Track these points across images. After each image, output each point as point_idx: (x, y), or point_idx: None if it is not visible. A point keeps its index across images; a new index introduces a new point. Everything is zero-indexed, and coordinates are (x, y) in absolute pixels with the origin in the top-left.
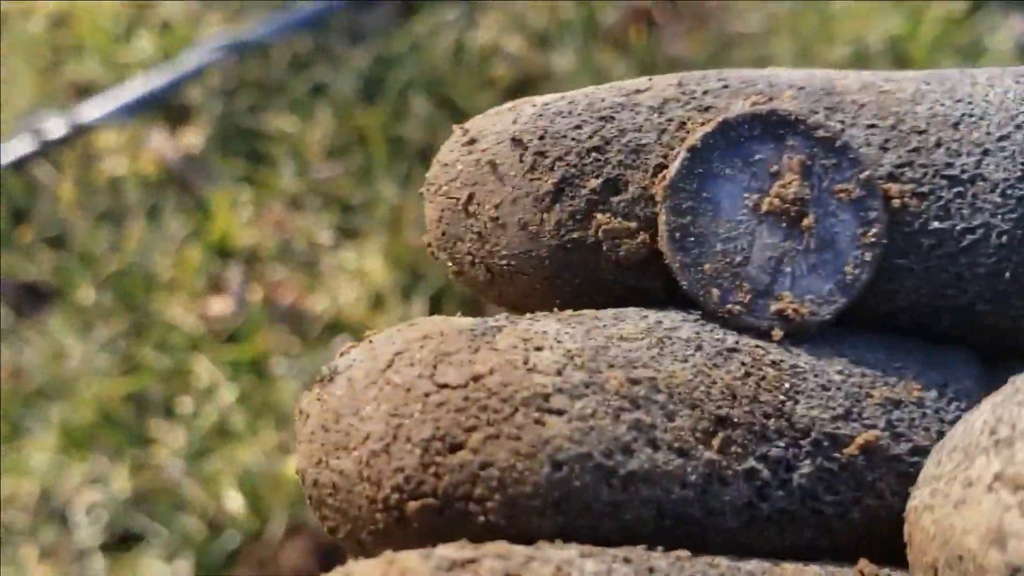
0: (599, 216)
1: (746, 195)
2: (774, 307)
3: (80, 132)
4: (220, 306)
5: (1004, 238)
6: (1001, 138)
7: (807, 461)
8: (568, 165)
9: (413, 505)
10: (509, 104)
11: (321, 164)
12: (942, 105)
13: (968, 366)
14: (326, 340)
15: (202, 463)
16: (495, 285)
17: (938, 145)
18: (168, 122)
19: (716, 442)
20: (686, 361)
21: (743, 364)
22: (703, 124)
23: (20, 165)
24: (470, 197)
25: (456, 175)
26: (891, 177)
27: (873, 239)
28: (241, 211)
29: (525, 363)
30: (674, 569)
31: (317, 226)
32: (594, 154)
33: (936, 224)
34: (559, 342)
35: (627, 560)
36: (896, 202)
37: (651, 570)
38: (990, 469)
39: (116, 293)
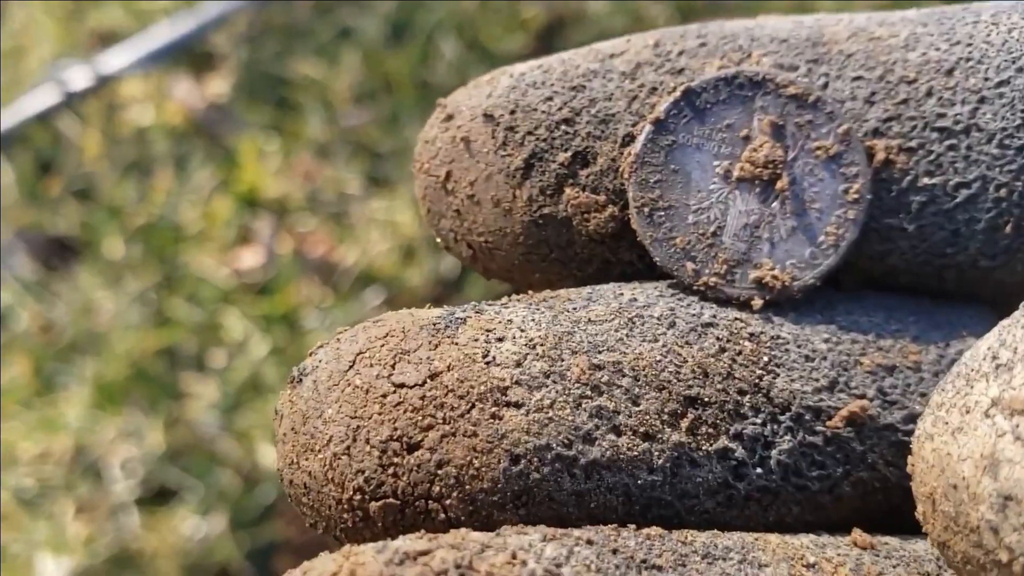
0: (568, 191)
1: (717, 163)
2: (752, 275)
3: (104, 82)
4: (250, 258)
5: (1003, 191)
6: (1000, 83)
7: (787, 437)
8: (538, 139)
9: (375, 505)
10: (489, 75)
11: (348, 111)
12: (936, 50)
13: (978, 323)
14: (357, 292)
15: (236, 417)
16: (478, 260)
17: (929, 95)
18: (193, 70)
19: (684, 423)
20: (656, 340)
21: (718, 339)
22: (670, 93)
23: (44, 117)
24: (448, 175)
25: (436, 152)
26: (876, 132)
27: (856, 196)
28: (269, 161)
29: (484, 356)
30: (642, 548)
31: (346, 175)
32: (563, 127)
33: (927, 180)
34: (523, 331)
35: (590, 542)
36: (881, 157)
37: (615, 551)
38: (988, 394)
39: (145, 246)
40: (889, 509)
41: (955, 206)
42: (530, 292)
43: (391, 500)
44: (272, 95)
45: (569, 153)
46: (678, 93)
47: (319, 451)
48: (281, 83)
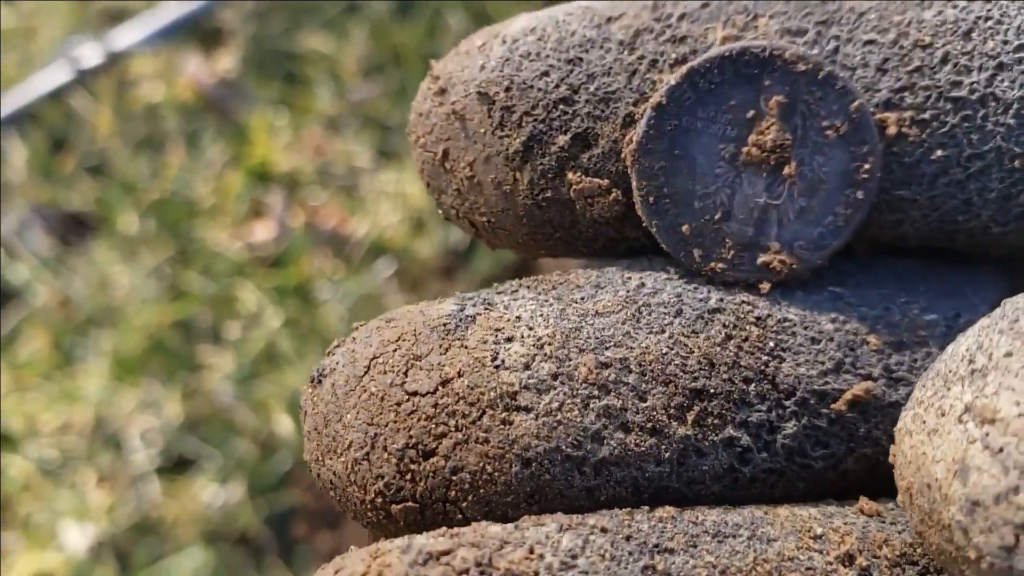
0: (570, 175)
1: (722, 146)
2: (760, 259)
3: (115, 59)
4: (263, 231)
5: (1017, 162)
6: (1020, 47)
7: (792, 422)
8: (536, 120)
9: (396, 508)
10: (480, 40)
11: (357, 84)
12: (954, 7)
13: (989, 289)
14: (369, 263)
15: (252, 387)
16: (482, 235)
17: (945, 61)
18: (202, 46)
19: (690, 416)
20: (663, 332)
21: (724, 327)
22: (672, 72)
23: (57, 94)
24: (445, 153)
25: (431, 128)
26: (888, 104)
27: (866, 175)
28: (279, 135)
29: (494, 359)
30: (655, 532)
31: (356, 148)
32: (561, 106)
33: (940, 152)
34: (531, 328)
35: (604, 530)
36: (893, 131)
37: (628, 537)
38: (962, 399)
39: (159, 221)
40: (892, 477)
41: (967, 176)
42: (539, 278)
43: (411, 503)
44: (281, 70)
45: (569, 135)
46: (679, 76)
47: (341, 453)
48: (290, 58)
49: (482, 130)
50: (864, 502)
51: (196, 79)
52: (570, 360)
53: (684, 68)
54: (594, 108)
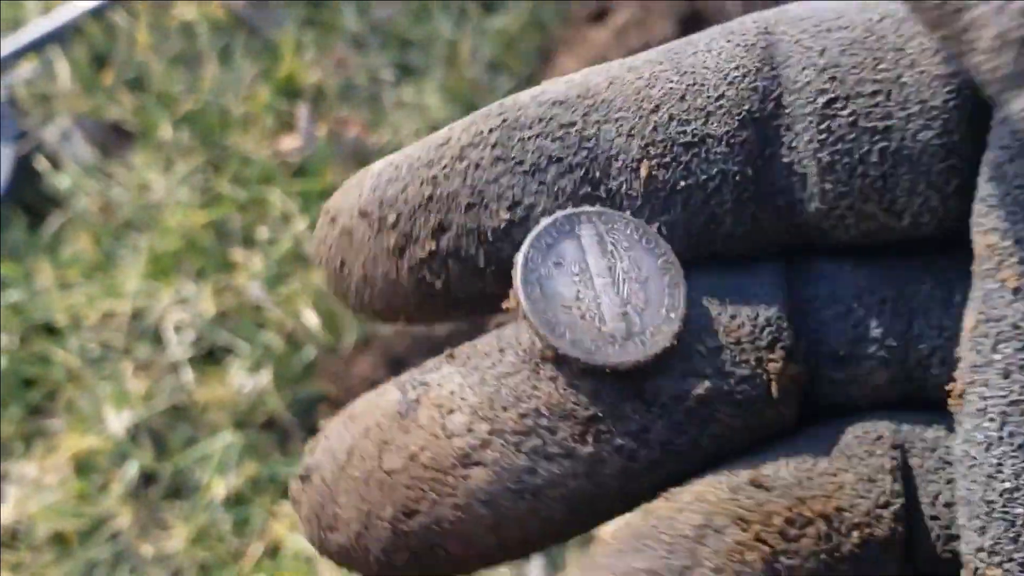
0: (432, 267)
1: (576, 278)
2: (638, 343)
3: None
4: (290, 142)
5: (738, 177)
6: (719, 97)
7: (659, 421)
8: (403, 221)
9: (396, 558)
10: (356, 176)
11: (381, 3)
12: (671, 82)
13: (774, 282)
14: None
15: (280, 285)
16: (382, 319)
17: (671, 119)
18: None
19: (590, 438)
20: (556, 379)
21: (614, 375)
22: (523, 244)
23: (99, 12)
24: (342, 263)
25: (329, 247)
26: (641, 158)
27: (669, 263)
28: (306, 52)
29: (444, 430)
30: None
31: (378, 64)
32: (421, 207)
33: (683, 183)
34: (464, 399)
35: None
36: (644, 175)
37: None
38: None
39: (193, 131)
40: (738, 442)
41: (707, 196)
42: (454, 352)
43: (406, 554)
44: None
45: (428, 228)
46: (527, 242)
47: (342, 530)
48: None
49: (366, 238)
50: (748, 473)
51: None
52: (499, 418)
53: (525, 243)
54: (443, 204)
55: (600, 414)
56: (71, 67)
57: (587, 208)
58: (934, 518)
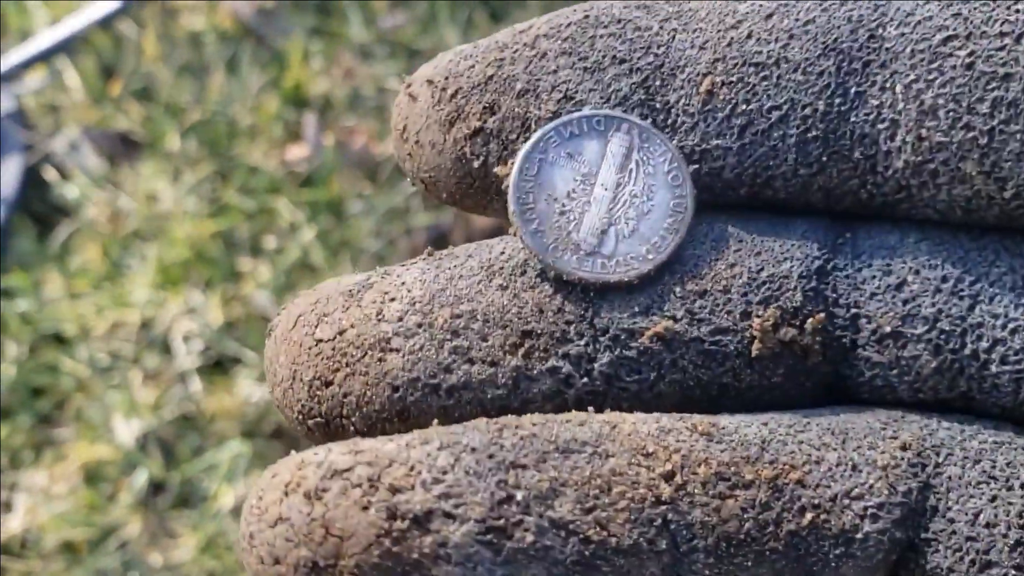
0: (474, 145)
1: (577, 178)
2: (599, 263)
3: None
4: (297, 151)
5: (807, 109)
6: (807, 22)
7: (606, 353)
8: (460, 96)
9: (310, 423)
10: (443, 52)
11: (387, 13)
12: (762, 2)
13: (809, 234)
14: (395, 182)
15: (288, 294)
16: (429, 192)
17: (749, 36)
18: None
19: (521, 351)
20: (506, 288)
21: (555, 280)
22: (546, 122)
23: (107, 23)
24: (404, 127)
25: (398, 112)
26: (706, 72)
27: (682, 209)
28: (313, 61)
29: (378, 314)
30: (514, 450)
31: (385, 73)
32: (479, 86)
33: (744, 106)
34: (409, 291)
35: (473, 449)
36: (706, 89)
37: (491, 456)
38: None
39: (201, 141)
40: (709, 399)
41: (770, 125)
42: (437, 252)
43: (319, 419)
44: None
45: (481, 105)
46: (551, 125)
47: (278, 385)
48: None
49: (426, 105)
50: (697, 420)
51: (235, 8)
52: (433, 313)
53: (554, 122)
54: (500, 86)
55: (539, 330)
56: (79, 77)
57: (631, 116)
58: (971, 539)
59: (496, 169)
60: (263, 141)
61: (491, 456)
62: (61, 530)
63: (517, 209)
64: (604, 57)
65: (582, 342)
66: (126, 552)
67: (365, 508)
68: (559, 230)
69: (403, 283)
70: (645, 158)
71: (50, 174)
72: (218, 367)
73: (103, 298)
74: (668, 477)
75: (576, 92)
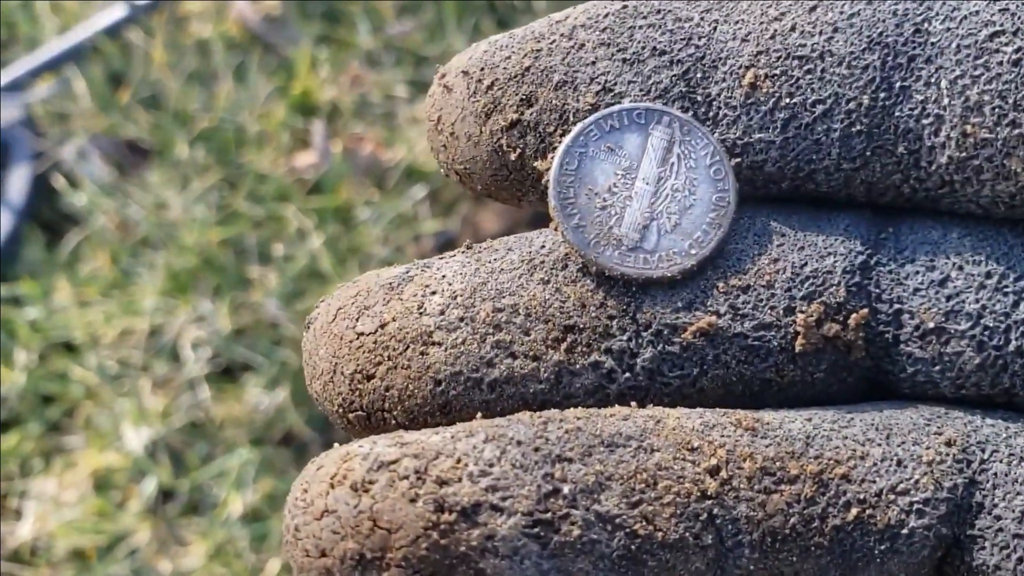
0: (511, 137)
1: (618, 172)
2: (642, 258)
3: None
4: (305, 159)
5: (852, 104)
6: (852, 15)
7: (649, 348)
8: (495, 88)
9: (351, 416)
10: (477, 42)
11: (395, 21)
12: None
13: (852, 229)
14: (403, 187)
15: (296, 302)
16: (464, 184)
17: (793, 29)
18: None
19: (563, 346)
20: (548, 282)
21: (597, 276)
22: (587, 115)
23: (114, 31)
24: (439, 118)
25: (432, 103)
26: (749, 65)
27: (724, 203)
28: (321, 69)
29: (419, 308)
30: (559, 443)
31: (393, 81)
32: (515, 78)
33: (788, 100)
34: (450, 284)
35: (519, 443)
36: (749, 81)
37: (537, 449)
38: None
39: (209, 148)
40: (751, 394)
41: (814, 119)
42: (475, 244)
43: (360, 413)
44: (323, 7)
45: (519, 97)
46: (592, 118)
47: (318, 378)
48: None
49: (461, 96)
50: (740, 415)
51: (243, 16)
52: (475, 307)
53: (595, 115)
54: (536, 77)
55: (581, 325)
56: (88, 86)
57: (673, 110)
58: (1019, 536)
59: (536, 164)
60: (271, 148)
61: (537, 449)
62: (71, 538)
63: (558, 204)
64: (644, 48)
65: (624, 337)
66: (135, 560)
67: (413, 500)
68: (601, 225)
69: (444, 276)
70: (687, 152)
71: (59, 182)
72: (227, 374)
73: (112, 306)
74: (713, 472)
75: (615, 84)
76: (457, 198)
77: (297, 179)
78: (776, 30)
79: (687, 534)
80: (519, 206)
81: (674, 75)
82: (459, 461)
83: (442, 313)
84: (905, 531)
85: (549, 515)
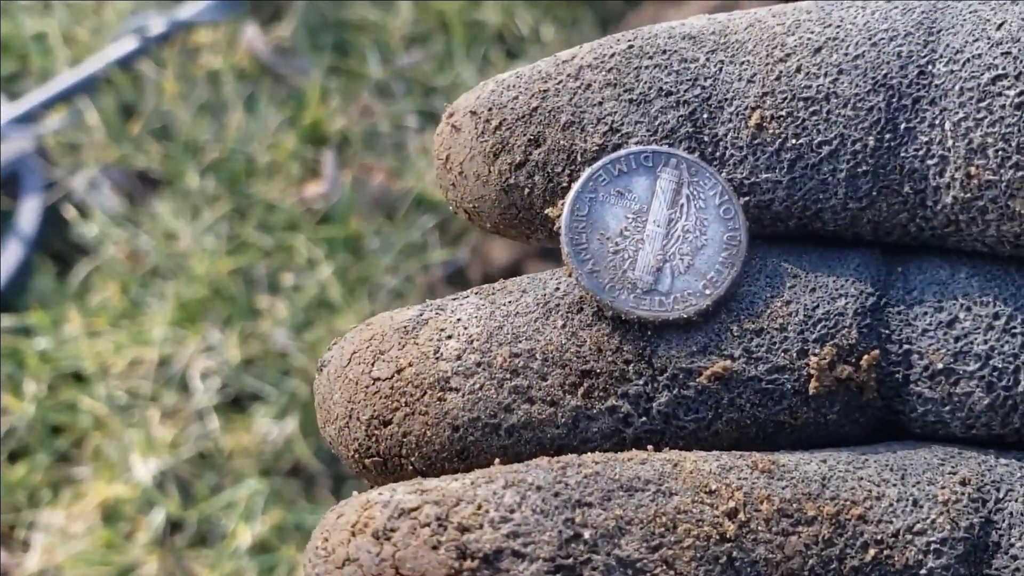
0: (519, 177)
1: (629, 216)
2: (657, 301)
3: (179, 29)
4: (315, 189)
5: (857, 145)
6: (856, 57)
7: (664, 392)
8: (503, 128)
9: (367, 461)
10: (484, 81)
11: (404, 52)
12: (811, 33)
13: (861, 267)
14: (412, 219)
15: (305, 332)
16: (473, 221)
17: (798, 71)
18: (259, 17)
19: (580, 391)
20: (564, 327)
21: (613, 320)
22: (594, 162)
23: (126, 63)
24: (447, 157)
25: (441, 141)
26: (755, 107)
27: (736, 241)
28: (331, 99)
29: (435, 352)
30: (579, 488)
31: (402, 111)
32: (523, 119)
33: (794, 140)
34: (466, 328)
35: (538, 488)
36: (755, 122)
37: (557, 494)
38: None
39: (219, 179)
40: (765, 436)
41: (820, 160)
42: (487, 286)
43: (376, 459)
44: (333, 38)
45: (527, 137)
46: (600, 163)
47: (332, 423)
48: (341, 27)
49: (470, 136)
50: (757, 457)
51: (253, 47)
52: (491, 351)
53: (603, 160)
54: (544, 118)
55: (598, 370)
56: (99, 117)
57: (680, 151)
58: None
59: (547, 211)
60: (281, 179)
61: (557, 494)
62: (78, 569)
63: (571, 250)
64: (650, 89)
65: (641, 381)
66: None
67: (435, 548)
68: (614, 269)
69: (459, 320)
70: (696, 193)
71: (70, 212)
72: (236, 404)
73: (121, 336)
74: (732, 515)
75: (622, 125)
76: (466, 228)
77: (307, 209)
78: (782, 71)
79: None
80: (528, 243)
81: (680, 115)
82: (480, 507)
83: (459, 358)
84: (924, 572)
85: (571, 560)
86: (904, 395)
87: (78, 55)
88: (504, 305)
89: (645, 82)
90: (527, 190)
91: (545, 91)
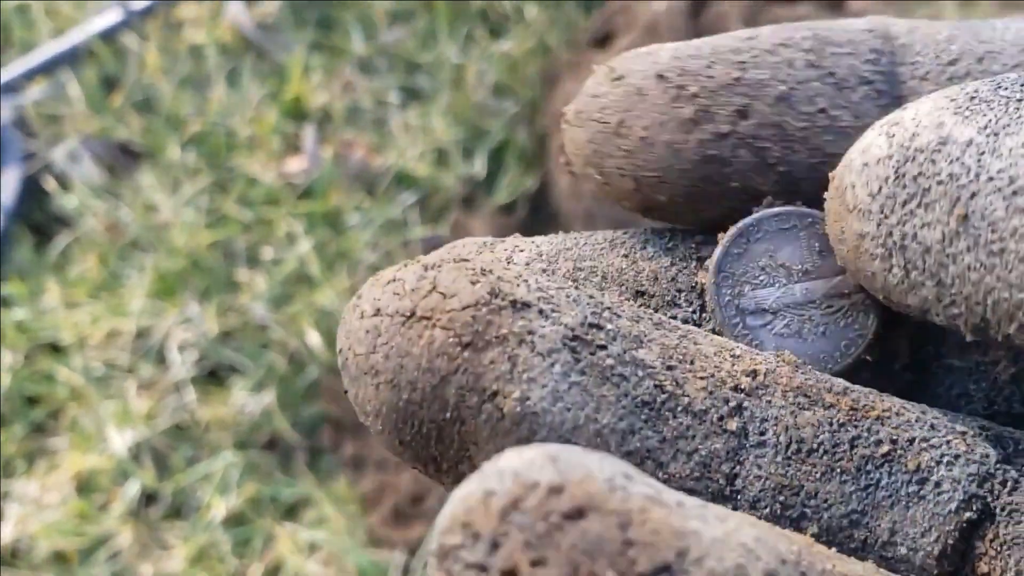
0: (723, 148)
1: (776, 274)
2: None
3: (163, 1)
4: (296, 163)
5: None
6: (1015, 66)
7: (710, 322)
8: (704, 96)
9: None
10: (646, 48)
11: (387, 28)
12: (969, 44)
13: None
14: (393, 193)
15: (283, 305)
16: (640, 192)
17: (967, 75)
18: None
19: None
20: (627, 256)
21: (675, 255)
22: (802, 129)
23: (109, 35)
24: (620, 122)
25: (607, 104)
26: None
27: (862, 331)
28: (313, 75)
29: (508, 260)
30: (615, 305)
31: (385, 87)
32: (726, 87)
33: None
34: (537, 246)
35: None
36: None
37: (592, 296)
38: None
39: (200, 152)
40: None
41: None
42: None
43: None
44: (316, 14)
45: (731, 109)
46: (751, 220)
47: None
48: (325, 3)
49: (659, 101)
50: (784, 354)
51: (237, 22)
52: (557, 263)
53: (749, 219)
54: (749, 90)
55: (652, 292)
56: (81, 88)
57: (816, 211)
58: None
59: (755, 181)
60: (262, 153)
61: (592, 296)
62: (52, 539)
63: (716, 306)
64: (850, 75)
65: (690, 309)
66: (117, 562)
67: (474, 282)
68: (756, 322)
69: (533, 242)
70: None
71: (50, 184)
72: (213, 377)
73: (100, 307)
74: (751, 375)
75: (831, 108)
76: (446, 204)
77: (287, 184)
78: (953, 73)
79: (712, 410)
80: (688, 225)
81: (881, 104)
82: (520, 275)
83: (527, 264)
84: (934, 478)
85: (590, 336)
86: (934, 368)
87: (60, 27)
88: (575, 237)
89: (844, 67)
90: (730, 165)
91: (743, 63)
